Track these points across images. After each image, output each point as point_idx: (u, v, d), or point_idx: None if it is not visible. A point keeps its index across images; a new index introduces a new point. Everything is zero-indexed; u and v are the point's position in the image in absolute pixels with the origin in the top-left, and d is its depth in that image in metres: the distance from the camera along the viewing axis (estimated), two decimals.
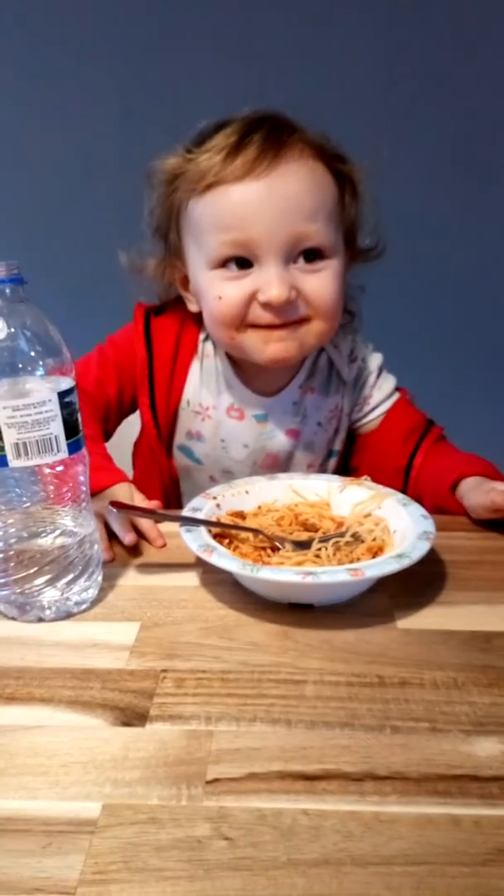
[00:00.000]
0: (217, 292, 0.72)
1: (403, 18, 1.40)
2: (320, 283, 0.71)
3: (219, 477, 0.85)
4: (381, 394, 0.86)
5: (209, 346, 0.84)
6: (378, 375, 0.87)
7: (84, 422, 0.55)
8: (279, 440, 0.84)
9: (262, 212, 0.68)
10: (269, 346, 0.73)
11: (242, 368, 0.83)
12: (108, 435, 0.88)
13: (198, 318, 0.81)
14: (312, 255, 0.71)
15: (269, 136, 0.69)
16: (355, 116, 1.38)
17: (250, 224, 0.68)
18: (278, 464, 0.85)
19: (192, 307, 0.80)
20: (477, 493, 0.69)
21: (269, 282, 0.69)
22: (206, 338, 0.83)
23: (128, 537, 0.65)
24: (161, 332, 0.83)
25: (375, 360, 0.87)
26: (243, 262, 0.70)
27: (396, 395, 0.87)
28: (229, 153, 0.68)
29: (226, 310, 0.72)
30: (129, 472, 0.91)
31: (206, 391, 0.84)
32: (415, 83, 1.43)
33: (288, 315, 0.71)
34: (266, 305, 0.70)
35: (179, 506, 0.88)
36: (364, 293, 0.84)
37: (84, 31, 1.42)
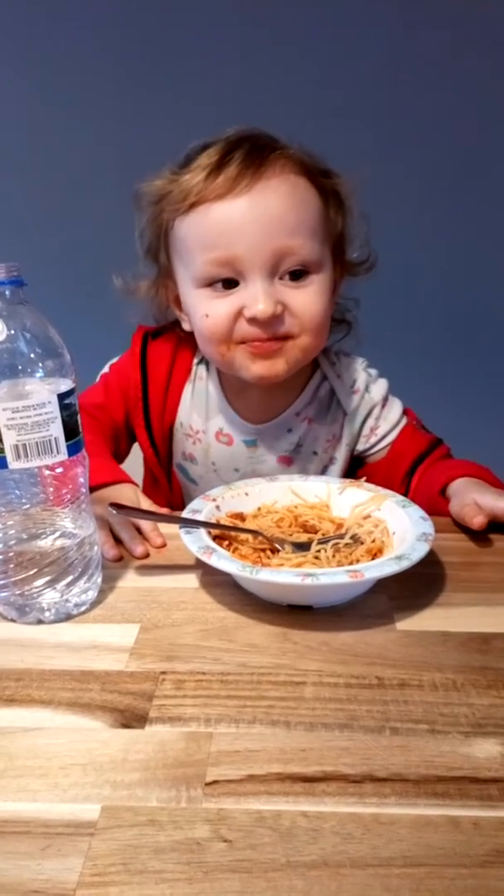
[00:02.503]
0: (204, 310, 0.73)
1: (405, 16, 1.40)
2: (306, 298, 0.71)
3: None
4: (387, 424, 0.85)
5: (202, 369, 0.84)
6: (383, 405, 0.86)
7: (91, 437, 0.55)
8: (270, 465, 0.84)
9: (245, 228, 0.68)
10: (255, 364, 0.73)
11: (235, 393, 0.83)
12: (120, 458, 0.89)
13: (193, 341, 0.81)
14: (298, 272, 0.71)
15: (249, 154, 0.69)
16: (353, 116, 1.39)
17: (233, 241, 0.69)
18: None
19: (186, 326, 0.81)
20: (455, 503, 0.69)
21: (255, 297, 0.69)
22: (200, 361, 0.84)
23: (139, 549, 0.65)
24: (156, 355, 0.84)
25: (380, 388, 0.86)
26: (229, 282, 0.71)
27: (403, 422, 0.85)
28: (211, 171, 0.69)
29: (213, 327, 0.73)
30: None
31: (195, 414, 0.85)
32: (414, 84, 1.43)
33: (275, 330, 0.71)
34: (252, 320, 0.70)
35: None
36: (359, 306, 0.84)
37: (84, 31, 1.43)
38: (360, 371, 0.86)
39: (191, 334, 0.80)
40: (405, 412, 0.86)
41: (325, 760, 0.40)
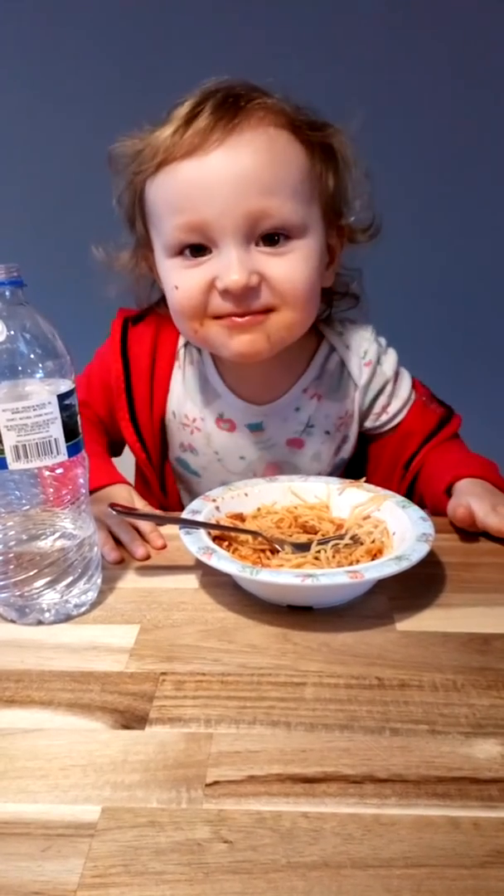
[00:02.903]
0: (174, 281, 0.67)
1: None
2: (287, 266, 0.64)
3: None
4: (399, 401, 0.80)
5: (192, 351, 0.78)
6: (395, 381, 0.79)
7: (84, 431, 0.55)
8: (279, 451, 0.79)
9: (214, 189, 0.62)
10: (233, 340, 0.67)
11: (231, 372, 0.77)
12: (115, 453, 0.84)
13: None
14: (276, 236, 0.64)
15: (222, 104, 0.63)
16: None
17: (201, 204, 0.62)
18: (282, 475, 0.78)
19: None
20: (453, 501, 0.67)
21: (227, 266, 0.63)
22: (187, 342, 0.78)
23: (140, 552, 0.64)
24: (137, 341, 0.78)
25: (391, 360, 0.79)
26: (200, 248, 0.65)
27: (413, 398, 0.80)
28: (179, 126, 0.63)
29: (184, 300, 0.66)
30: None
31: (190, 402, 0.78)
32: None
33: (250, 303, 0.65)
34: (225, 293, 0.64)
35: None
36: (362, 276, 0.77)
37: (84, 30, 1.43)
38: (372, 340, 0.79)
39: None
40: (414, 385, 0.81)
41: (325, 761, 0.40)
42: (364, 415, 0.81)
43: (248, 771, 0.40)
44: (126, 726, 0.43)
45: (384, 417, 0.80)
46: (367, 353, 0.78)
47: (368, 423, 0.81)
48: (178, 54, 1.42)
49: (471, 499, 0.66)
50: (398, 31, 1.41)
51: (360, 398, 0.79)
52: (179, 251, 0.66)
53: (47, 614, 0.54)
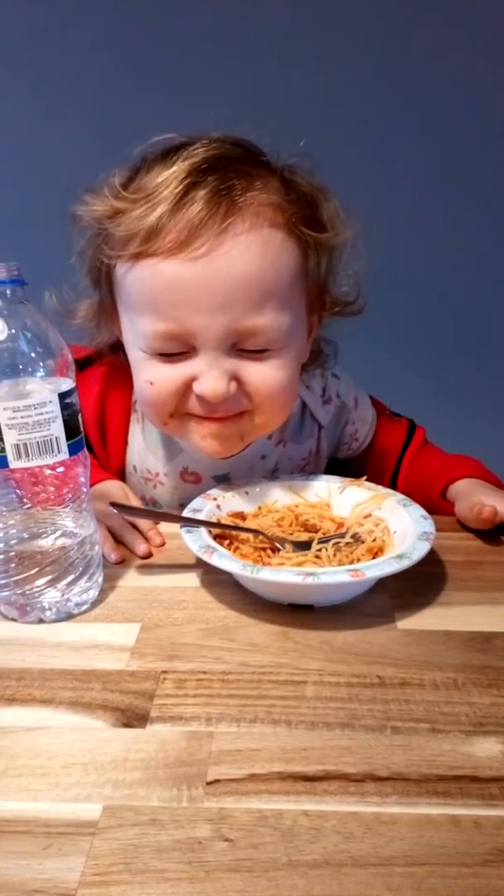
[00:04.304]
0: (148, 377, 0.62)
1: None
2: (266, 372, 0.61)
3: None
4: (365, 425, 0.81)
5: None
6: (356, 406, 0.80)
7: None
8: None
9: (200, 300, 0.57)
10: (205, 441, 0.64)
11: None
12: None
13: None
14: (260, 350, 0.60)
15: (217, 194, 0.56)
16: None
17: (185, 314, 0.57)
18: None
19: None
20: (463, 505, 0.68)
21: (207, 374, 0.59)
22: None
23: (142, 548, 0.64)
24: (83, 393, 0.65)
25: (348, 388, 0.79)
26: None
27: (376, 416, 0.81)
28: (163, 214, 0.56)
29: (157, 397, 0.62)
30: None
31: (152, 457, 0.75)
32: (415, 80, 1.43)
33: (227, 408, 0.62)
34: (202, 399, 0.61)
35: None
36: (336, 352, 0.75)
37: (85, 30, 1.42)
38: (328, 377, 0.78)
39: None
40: (373, 403, 0.82)
41: (326, 759, 0.40)
42: (334, 449, 0.81)
43: (249, 769, 0.40)
44: (127, 724, 0.43)
45: (355, 445, 0.82)
46: (325, 390, 0.78)
47: (342, 454, 0.82)
48: (179, 54, 1.42)
49: (482, 497, 0.66)
50: (399, 31, 1.41)
51: (326, 437, 0.79)
52: (157, 353, 0.61)
53: (48, 613, 0.54)
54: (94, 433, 0.75)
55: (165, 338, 0.59)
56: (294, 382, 0.65)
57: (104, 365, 0.73)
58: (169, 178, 0.57)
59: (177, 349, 0.60)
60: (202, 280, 0.56)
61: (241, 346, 0.60)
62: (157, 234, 0.56)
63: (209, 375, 0.59)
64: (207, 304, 0.57)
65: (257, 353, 0.60)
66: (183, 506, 0.66)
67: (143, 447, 0.76)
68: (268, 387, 0.61)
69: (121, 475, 0.78)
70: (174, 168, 0.57)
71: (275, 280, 0.58)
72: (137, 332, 0.62)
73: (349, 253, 0.65)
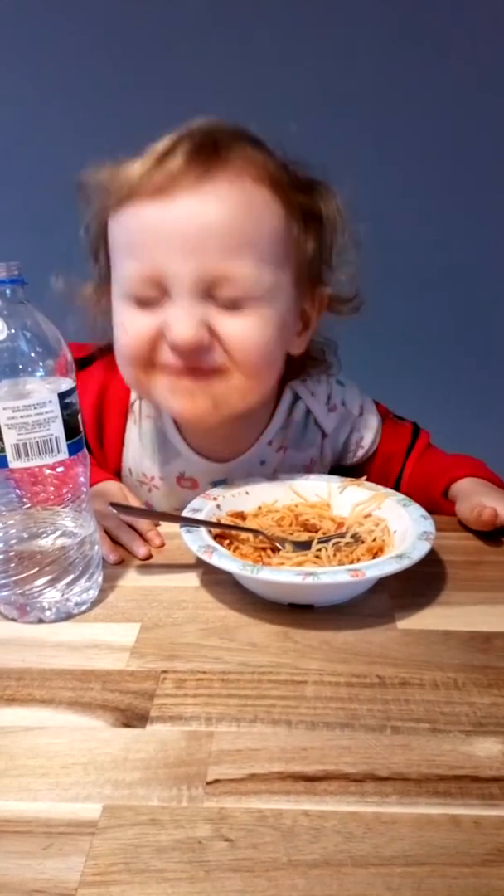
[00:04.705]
0: (123, 321, 0.62)
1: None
2: (243, 327, 0.59)
3: None
4: (371, 432, 0.80)
5: (147, 405, 0.73)
6: (361, 413, 0.79)
7: None
8: None
9: (174, 240, 0.57)
10: (175, 398, 0.62)
11: (192, 429, 0.72)
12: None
13: None
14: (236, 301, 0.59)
15: (198, 148, 0.57)
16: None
17: (159, 255, 0.57)
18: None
19: None
20: (464, 506, 0.67)
21: (177, 320, 0.58)
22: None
23: (142, 551, 0.63)
24: (82, 391, 0.66)
25: (354, 396, 0.78)
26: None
27: (381, 421, 0.81)
28: (150, 163, 0.58)
29: (130, 346, 0.61)
30: None
31: (147, 460, 0.74)
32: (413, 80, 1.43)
33: (198, 361, 0.60)
34: (173, 347, 0.59)
35: None
36: (336, 351, 0.74)
37: (85, 29, 1.42)
38: (333, 384, 0.77)
39: None
40: (378, 409, 0.81)
41: (326, 759, 0.40)
42: (339, 456, 0.81)
43: (248, 769, 0.40)
44: (127, 724, 0.43)
45: (360, 452, 0.81)
46: (330, 399, 0.77)
47: (347, 461, 0.81)
48: (179, 54, 1.42)
49: (483, 499, 0.66)
50: (399, 30, 1.41)
51: (330, 445, 0.78)
52: (133, 298, 0.61)
53: (48, 613, 0.54)
54: (91, 433, 0.75)
55: (140, 281, 0.59)
56: (274, 351, 0.63)
57: (103, 365, 0.73)
58: (161, 139, 0.59)
59: (152, 293, 0.59)
60: (177, 223, 0.57)
61: (214, 293, 0.59)
62: (141, 180, 0.58)
63: (179, 321, 0.58)
64: (180, 246, 0.57)
65: (233, 307, 0.59)
66: (179, 510, 0.65)
67: (139, 450, 0.75)
68: (242, 342, 0.59)
69: (117, 477, 0.77)
70: (167, 134, 0.60)
71: (254, 231, 0.58)
72: (119, 279, 0.62)
73: (346, 247, 0.65)
